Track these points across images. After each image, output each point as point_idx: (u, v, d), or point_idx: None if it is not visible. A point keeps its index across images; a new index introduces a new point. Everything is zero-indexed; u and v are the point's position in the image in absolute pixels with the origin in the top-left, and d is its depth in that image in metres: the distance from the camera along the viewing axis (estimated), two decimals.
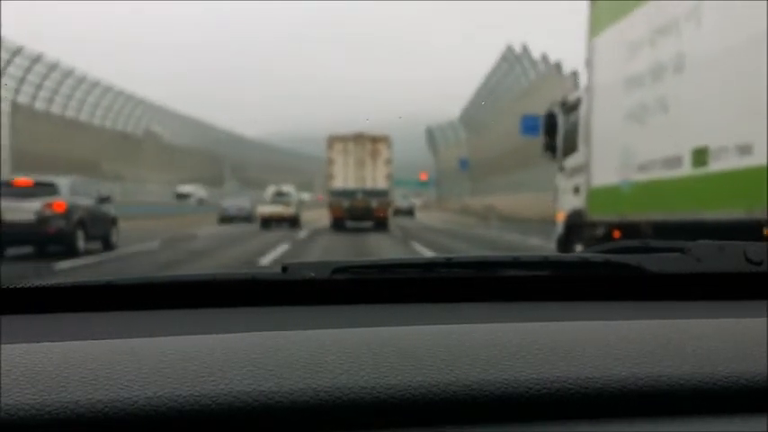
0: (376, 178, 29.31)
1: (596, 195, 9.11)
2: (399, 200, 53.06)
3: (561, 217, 10.71)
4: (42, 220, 14.46)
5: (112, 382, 0.73)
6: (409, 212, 51.13)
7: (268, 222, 30.03)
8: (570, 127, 10.48)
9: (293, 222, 30.46)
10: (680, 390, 0.75)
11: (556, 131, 10.81)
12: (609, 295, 1.22)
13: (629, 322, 0.93)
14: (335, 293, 1.21)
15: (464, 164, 70.62)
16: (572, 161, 10.29)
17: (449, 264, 1.30)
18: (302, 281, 1.22)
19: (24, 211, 14.42)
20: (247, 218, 36.00)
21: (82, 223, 15.26)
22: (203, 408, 0.70)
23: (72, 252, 14.79)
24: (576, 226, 9.82)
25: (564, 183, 10.75)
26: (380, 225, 28.21)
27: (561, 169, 10.77)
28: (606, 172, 8.80)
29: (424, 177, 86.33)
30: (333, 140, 29.78)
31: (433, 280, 1.27)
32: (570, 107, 10.50)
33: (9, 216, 14.33)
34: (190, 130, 78.88)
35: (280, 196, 32.47)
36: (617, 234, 8.54)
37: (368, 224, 28.44)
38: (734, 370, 0.77)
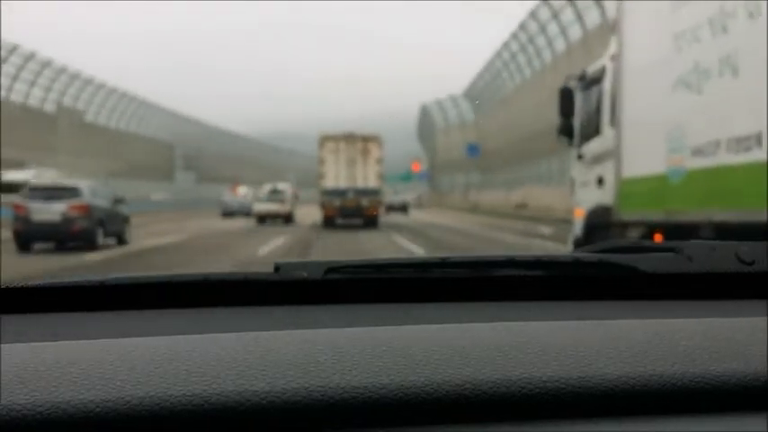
0: (367, 177, 29.33)
1: (630, 188, 7.18)
2: (391, 196, 50.67)
3: (580, 214, 8.80)
4: (67, 220, 16.38)
5: (104, 382, 0.72)
6: (402, 209, 48.46)
7: (263, 219, 31.81)
8: (591, 105, 8.58)
9: (287, 219, 32.01)
10: (672, 389, 0.76)
11: (573, 111, 8.88)
12: (601, 295, 1.22)
13: (621, 322, 0.92)
14: (329, 293, 1.20)
15: (473, 150, 57.51)
16: (594, 147, 8.39)
17: (443, 264, 1.28)
18: (295, 281, 1.21)
19: (51, 212, 16.36)
20: (248, 213, 37.62)
21: (101, 222, 17.21)
22: (195, 408, 0.70)
23: (92, 247, 16.57)
24: (599, 226, 7.88)
25: (583, 173, 8.84)
26: (371, 223, 28.45)
27: (579, 157, 8.86)
28: (644, 159, 6.88)
29: (416, 168, 72.71)
30: (324, 140, 29.80)
31: (427, 280, 1.25)
32: (590, 81, 8.59)
33: (37, 216, 16.41)
34: (129, 110, 64.87)
35: (275, 194, 33.63)
36: (659, 238, 6.62)
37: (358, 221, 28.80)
38: (725, 369, 0.77)
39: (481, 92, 61.06)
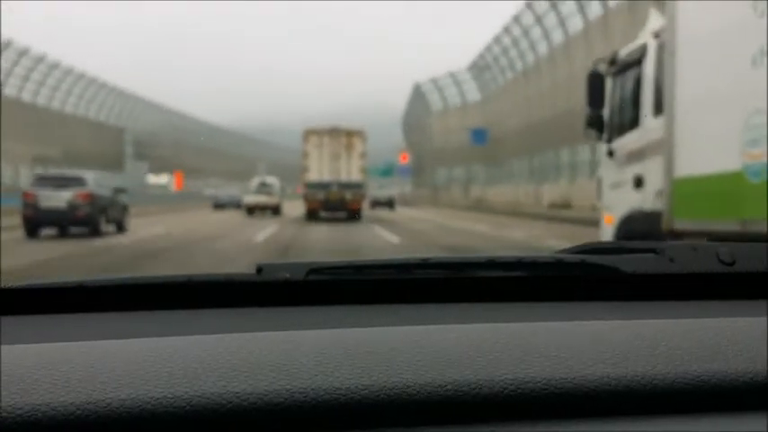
0: (350, 171, 29.61)
1: (686, 190, 5.87)
2: (377, 191, 48.64)
3: (610, 221, 7.49)
4: (73, 207, 17.99)
5: (85, 385, 0.72)
6: (388, 204, 45.65)
7: (252, 210, 33.61)
8: (626, 93, 7.26)
9: (275, 210, 33.80)
10: (654, 389, 0.76)
11: (603, 100, 7.56)
12: (583, 296, 1.23)
13: (603, 322, 0.92)
14: (311, 294, 1.21)
15: (479, 136, 45.55)
16: (630, 141, 7.09)
17: (425, 264, 1.28)
18: (277, 282, 1.21)
19: (58, 199, 17.88)
20: (238, 205, 39.89)
21: (103, 210, 18.92)
22: (177, 409, 0.70)
23: (95, 233, 18.22)
24: (637, 236, 6.55)
25: (614, 173, 7.53)
26: (354, 216, 28.61)
27: (610, 154, 7.54)
28: (708, 153, 5.57)
29: (404, 159, 63.34)
30: (308, 134, 30.17)
31: (408, 281, 1.26)
32: (625, 65, 7.27)
33: (45, 203, 17.86)
34: (64, 86, 52.63)
35: (264, 187, 35.60)
36: None
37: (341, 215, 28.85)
38: (706, 369, 0.78)
39: (490, 66, 49.65)
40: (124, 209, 20.71)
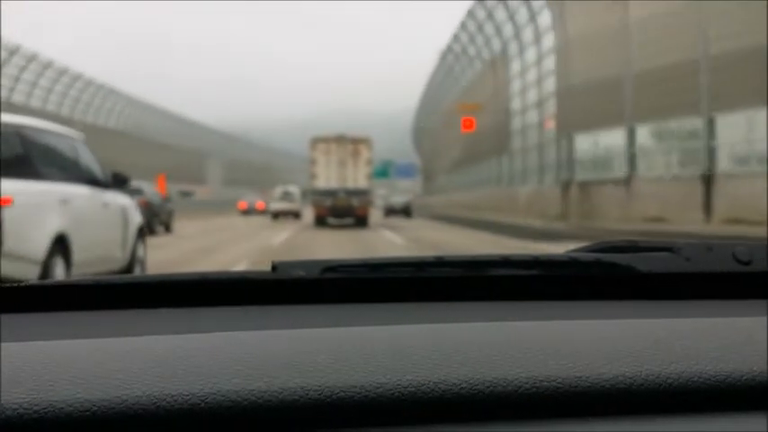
0: (357, 178, 30.91)
1: None
2: (392, 197, 47.81)
3: None
4: None
5: (101, 381, 0.73)
6: (404, 212, 43.88)
7: (277, 215, 39.19)
8: None
9: (297, 216, 39.12)
10: (668, 388, 0.77)
11: None
12: (598, 294, 1.24)
13: (618, 321, 0.94)
14: (325, 292, 1.22)
15: None
16: None
17: (440, 263, 1.30)
18: (292, 279, 1.23)
19: None
20: (262, 211, 48.42)
21: (157, 214, 23.88)
22: (192, 407, 0.71)
23: (151, 233, 23.03)
24: None
25: None
26: (361, 223, 29.78)
27: None
28: None
29: (469, 127, 41.61)
30: (316, 141, 31.72)
31: (423, 279, 1.27)
32: None
33: None
34: None
35: (287, 195, 41.03)
36: None
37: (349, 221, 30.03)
38: (722, 369, 0.79)
39: None
40: (170, 213, 26.17)
